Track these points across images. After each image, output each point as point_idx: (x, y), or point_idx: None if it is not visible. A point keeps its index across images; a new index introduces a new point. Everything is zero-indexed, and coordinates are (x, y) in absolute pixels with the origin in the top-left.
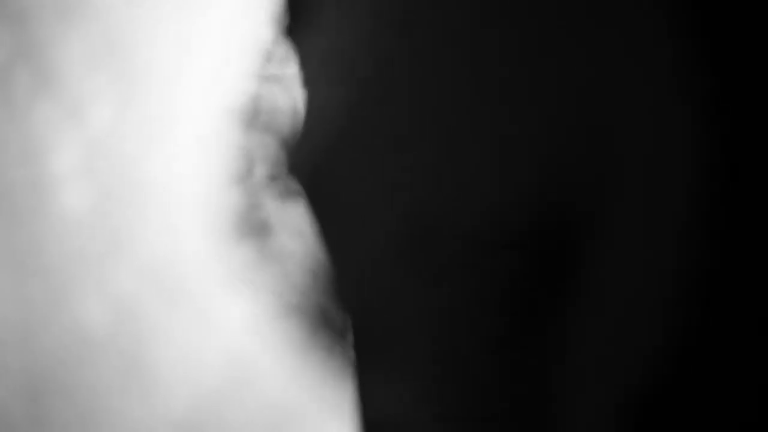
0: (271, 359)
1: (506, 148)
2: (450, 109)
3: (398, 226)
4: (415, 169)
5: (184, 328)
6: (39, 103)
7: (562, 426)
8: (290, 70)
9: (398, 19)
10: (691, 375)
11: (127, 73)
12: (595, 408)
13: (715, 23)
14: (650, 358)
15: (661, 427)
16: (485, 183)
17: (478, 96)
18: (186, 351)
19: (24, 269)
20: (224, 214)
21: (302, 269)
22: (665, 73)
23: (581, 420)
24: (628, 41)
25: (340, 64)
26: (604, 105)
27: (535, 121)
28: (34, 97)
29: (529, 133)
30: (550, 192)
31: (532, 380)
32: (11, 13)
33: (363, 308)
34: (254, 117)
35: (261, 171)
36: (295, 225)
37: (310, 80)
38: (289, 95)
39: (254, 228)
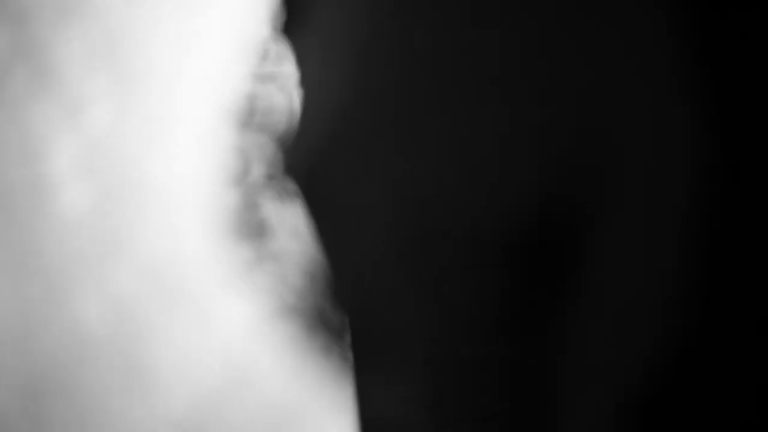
0: (271, 359)
1: (505, 149)
2: (448, 110)
3: (396, 227)
4: (412, 170)
5: (184, 328)
6: (39, 103)
7: (562, 426)
8: (286, 69)
9: (396, 19)
10: (691, 375)
11: (127, 73)
12: (596, 408)
13: (715, 23)
14: (650, 358)
15: (661, 427)
16: (484, 184)
17: (477, 97)
18: (186, 351)
19: (24, 269)
20: (223, 215)
21: (299, 270)
22: (665, 73)
23: (581, 420)
24: (628, 42)
25: (336, 64)
26: (604, 106)
27: (534, 123)
28: (33, 97)
29: (528, 134)
30: (549, 193)
31: (532, 380)
32: (11, 12)
33: (361, 309)
34: (250, 117)
35: (257, 171)
36: (292, 226)
37: (306, 80)
38: (286, 95)
39: (251, 229)
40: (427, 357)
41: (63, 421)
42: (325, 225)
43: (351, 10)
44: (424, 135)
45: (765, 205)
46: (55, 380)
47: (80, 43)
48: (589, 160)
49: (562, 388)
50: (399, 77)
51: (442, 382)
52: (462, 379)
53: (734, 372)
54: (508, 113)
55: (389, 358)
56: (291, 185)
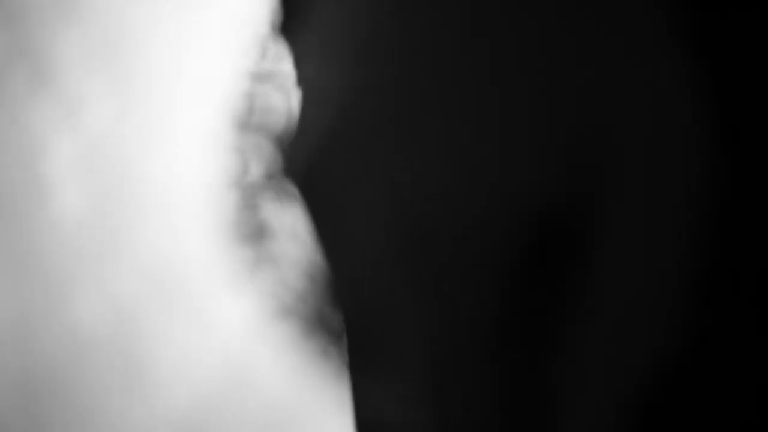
0: (271, 359)
1: (505, 147)
2: (448, 109)
3: (396, 225)
4: (412, 169)
5: (184, 328)
6: (38, 103)
7: (562, 426)
8: (285, 68)
9: (395, 18)
10: (692, 375)
11: (126, 73)
12: (596, 408)
13: (715, 23)
14: (651, 359)
15: (662, 427)
16: (484, 183)
17: (477, 96)
18: (186, 351)
19: (23, 269)
20: (222, 216)
21: (299, 273)
22: (665, 72)
23: (581, 420)
24: (628, 41)
25: (335, 63)
26: (604, 104)
27: (534, 122)
28: (33, 96)
29: (528, 133)
30: (549, 192)
31: (531, 381)
32: (10, 12)
33: (360, 309)
34: (249, 117)
35: (256, 171)
36: (291, 227)
37: (305, 79)
38: (284, 94)
39: (251, 231)
40: (426, 356)
41: (63, 421)
42: (324, 223)
43: (350, 8)
44: (423, 133)
45: (765, 204)
46: (55, 380)
47: (80, 43)
48: (589, 159)
49: (562, 388)
50: (398, 76)
51: (441, 381)
52: (462, 378)
53: (735, 372)
54: (507, 112)
55: (388, 357)
56: (290, 185)
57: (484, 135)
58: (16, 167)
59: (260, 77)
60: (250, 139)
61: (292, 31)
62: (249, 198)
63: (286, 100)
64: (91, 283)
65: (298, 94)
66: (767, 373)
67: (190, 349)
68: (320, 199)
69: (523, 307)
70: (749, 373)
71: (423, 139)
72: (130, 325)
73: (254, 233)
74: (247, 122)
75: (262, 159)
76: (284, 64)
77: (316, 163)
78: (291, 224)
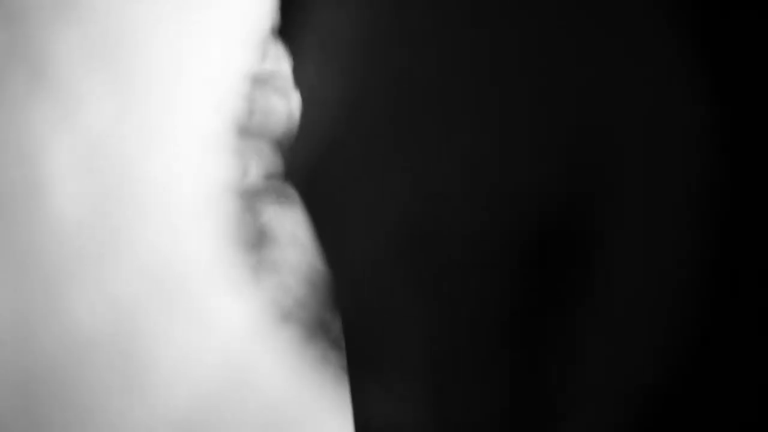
0: (271, 359)
1: (505, 147)
2: (447, 109)
3: (396, 226)
4: (412, 170)
5: (184, 328)
6: (38, 103)
7: (562, 427)
8: (285, 69)
9: (395, 19)
10: (692, 375)
11: (126, 73)
12: (596, 408)
13: (715, 23)
14: (651, 358)
15: (662, 427)
16: (484, 182)
17: (477, 96)
18: (186, 351)
19: (23, 269)
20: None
21: (299, 277)
22: (665, 72)
23: (582, 421)
24: (628, 41)
25: (336, 63)
26: (604, 104)
27: (534, 122)
28: (32, 97)
29: (528, 132)
30: (550, 192)
31: (531, 381)
32: (9, 12)
33: (360, 309)
34: (248, 119)
35: (256, 175)
36: (291, 231)
37: (305, 79)
38: (284, 96)
39: (251, 235)
40: (426, 356)
41: (63, 421)
42: (324, 224)
43: (351, 9)
44: (423, 133)
45: (765, 204)
46: (55, 380)
47: (79, 43)
48: (589, 159)
49: (562, 388)
50: (398, 76)
51: (441, 381)
52: (462, 378)
53: (735, 373)
54: (507, 112)
55: (388, 357)
56: (290, 187)
57: (484, 135)
58: (16, 167)
59: (260, 78)
60: (250, 142)
61: (291, 32)
62: (249, 202)
63: (285, 101)
64: (91, 283)
65: (297, 95)
66: (767, 373)
67: (190, 349)
68: (321, 200)
69: (524, 307)
70: (749, 373)
71: (423, 139)
72: (130, 325)
73: (254, 238)
74: (247, 125)
75: (261, 162)
76: (284, 65)
77: (316, 163)
78: (291, 228)
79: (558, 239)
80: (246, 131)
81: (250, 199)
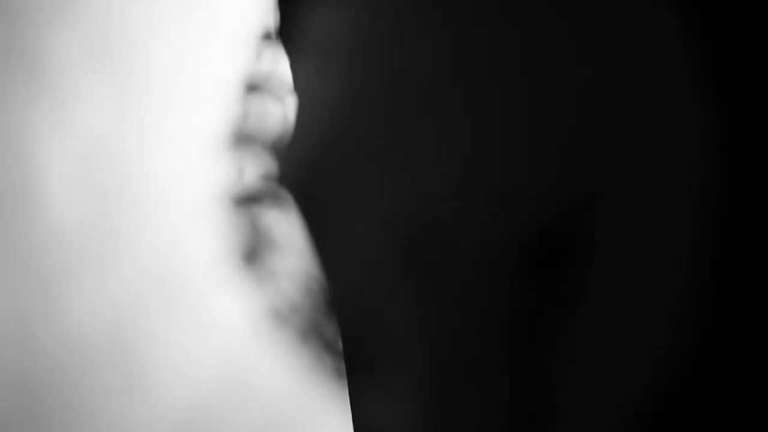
0: (271, 359)
1: (505, 148)
2: (447, 109)
3: (395, 226)
4: (412, 169)
5: (184, 328)
6: (37, 103)
7: (562, 427)
8: (283, 70)
9: (394, 19)
10: (692, 375)
11: (126, 73)
12: (596, 408)
13: (716, 22)
14: (651, 359)
15: (662, 427)
16: (484, 183)
17: (477, 95)
18: (186, 351)
19: (24, 269)
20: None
21: (295, 283)
22: (665, 73)
23: (582, 421)
24: (628, 41)
25: (335, 63)
26: (604, 104)
27: (534, 122)
28: (32, 97)
29: (528, 133)
30: (550, 191)
31: (531, 380)
32: (9, 12)
33: (360, 309)
34: (246, 120)
35: (252, 178)
36: (288, 235)
37: (302, 80)
38: (282, 97)
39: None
40: (426, 356)
41: (63, 421)
42: (323, 224)
43: (350, 9)
44: (423, 133)
45: (766, 204)
46: (55, 380)
47: (79, 43)
48: (589, 159)
49: (562, 388)
50: (398, 76)
51: (441, 381)
52: (462, 378)
53: (735, 374)
54: (507, 112)
55: (388, 358)
56: (287, 188)
57: (484, 135)
58: (15, 167)
59: (258, 79)
60: (247, 144)
61: (290, 32)
62: (245, 205)
63: (283, 103)
64: (91, 283)
65: (295, 96)
66: (767, 373)
67: (190, 349)
68: (320, 200)
69: (523, 307)
70: (749, 373)
71: (423, 139)
72: (130, 325)
73: (250, 242)
74: (244, 126)
75: (258, 164)
76: (282, 66)
77: (314, 164)
78: (288, 232)
79: (558, 239)
80: (243, 133)
81: (246, 202)
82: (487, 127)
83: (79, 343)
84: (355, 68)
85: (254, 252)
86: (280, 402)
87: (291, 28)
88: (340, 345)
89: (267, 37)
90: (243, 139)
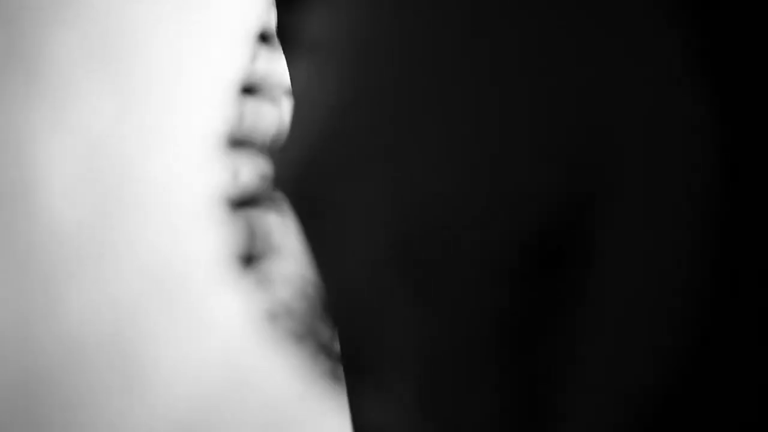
0: (271, 359)
1: (505, 148)
2: (447, 109)
3: (395, 226)
4: (412, 169)
5: (184, 328)
6: (37, 103)
7: (562, 427)
8: (282, 70)
9: (395, 18)
10: (692, 375)
11: (126, 73)
12: (596, 408)
13: (716, 22)
14: (651, 359)
15: (662, 427)
16: (483, 183)
17: (477, 96)
18: (186, 351)
19: (24, 269)
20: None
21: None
22: (665, 73)
23: (582, 420)
24: (628, 41)
25: (334, 63)
26: (604, 105)
27: (534, 122)
28: (32, 97)
29: (528, 133)
30: (549, 192)
31: (531, 381)
32: (7, 13)
33: (359, 309)
34: (244, 122)
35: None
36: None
37: (301, 82)
38: (279, 99)
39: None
40: (425, 356)
41: (63, 421)
42: (322, 224)
43: (350, 9)
44: (423, 133)
45: (766, 204)
46: (55, 380)
47: (79, 43)
48: (589, 159)
49: (562, 388)
50: (398, 76)
51: (440, 381)
52: (461, 379)
53: (735, 374)
54: (507, 112)
55: (387, 358)
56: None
57: (484, 135)
58: (15, 167)
59: (257, 80)
60: (244, 146)
61: (289, 32)
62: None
63: (280, 104)
64: (91, 283)
65: (293, 97)
66: (767, 373)
67: (190, 349)
68: (319, 200)
69: (523, 307)
70: (749, 374)
71: (423, 139)
72: (130, 325)
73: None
74: (242, 128)
75: (254, 166)
76: (280, 67)
77: (314, 163)
78: (285, 235)
79: (558, 239)
80: (239, 135)
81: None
82: (487, 127)
83: (79, 343)
84: (354, 68)
85: (251, 256)
86: (279, 402)
87: (290, 29)
88: (336, 346)
89: (264, 37)
90: (239, 141)
